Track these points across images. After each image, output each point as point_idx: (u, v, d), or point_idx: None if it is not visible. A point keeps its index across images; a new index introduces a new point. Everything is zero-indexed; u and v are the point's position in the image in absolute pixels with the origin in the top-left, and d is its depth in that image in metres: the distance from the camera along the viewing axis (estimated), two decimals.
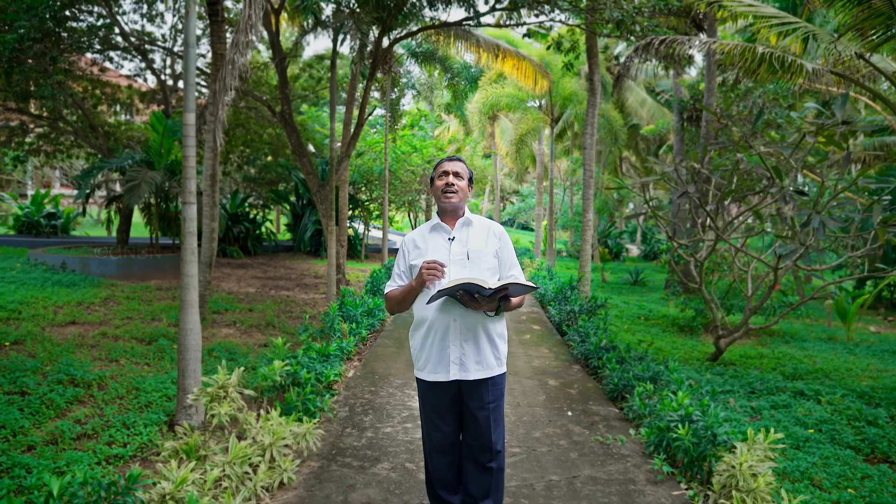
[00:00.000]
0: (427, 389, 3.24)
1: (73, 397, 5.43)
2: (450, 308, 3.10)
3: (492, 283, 2.91)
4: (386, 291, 3.30)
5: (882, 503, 4.16)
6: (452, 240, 3.20)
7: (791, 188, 6.57)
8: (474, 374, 3.13)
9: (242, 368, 4.56)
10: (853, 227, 7.09)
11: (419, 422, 5.35)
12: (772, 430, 4.22)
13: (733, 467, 3.84)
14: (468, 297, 2.99)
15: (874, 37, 5.64)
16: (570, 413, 5.82)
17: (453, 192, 3.18)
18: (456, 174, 3.20)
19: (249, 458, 3.82)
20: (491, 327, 3.17)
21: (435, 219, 3.29)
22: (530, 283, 2.95)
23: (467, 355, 3.12)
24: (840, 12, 5.89)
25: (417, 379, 3.30)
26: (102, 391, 5.69)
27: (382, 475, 4.30)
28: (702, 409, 4.60)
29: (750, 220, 8.61)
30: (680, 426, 4.40)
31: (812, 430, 5.57)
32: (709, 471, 4.19)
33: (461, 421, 3.30)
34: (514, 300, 3.14)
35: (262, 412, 4.53)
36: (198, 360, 4.92)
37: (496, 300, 3.02)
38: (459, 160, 3.28)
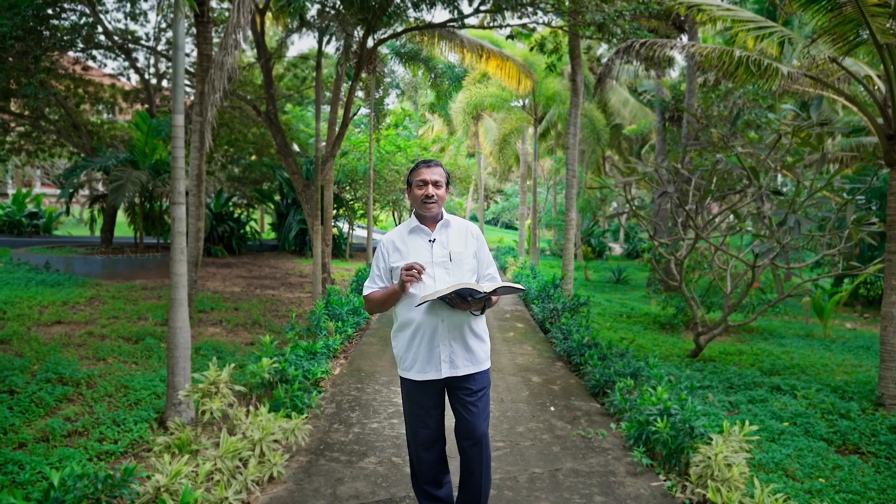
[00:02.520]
0: (415, 389, 3.28)
1: (63, 395, 5.48)
2: (437, 310, 3.17)
3: (472, 282, 3.03)
4: (365, 293, 3.33)
5: (851, 491, 4.33)
6: (433, 242, 3.26)
7: (766, 188, 6.75)
8: (464, 369, 3.22)
9: (232, 365, 4.64)
10: (828, 226, 7.29)
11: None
12: (746, 422, 4.38)
13: (709, 458, 3.99)
14: (459, 299, 3.07)
15: (845, 42, 5.81)
16: (552, 408, 5.95)
17: (433, 203, 3.24)
18: (435, 183, 3.25)
19: (240, 453, 3.91)
20: (475, 324, 3.27)
21: (413, 220, 3.33)
22: (518, 286, 3.08)
23: (456, 353, 3.21)
24: (814, 17, 6.06)
25: (402, 378, 3.35)
26: (91, 389, 5.74)
27: (370, 469, 4.40)
28: (680, 404, 4.74)
29: (730, 219, 8.78)
30: (659, 420, 4.54)
31: (787, 424, 5.74)
32: (686, 462, 4.33)
33: (452, 413, 3.35)
34: (494, 298, 3.22)
35: (251, 408, 4.61)
36: (187, 358, 4.99)
37: (483, 301, 3.12)
38: (437, 165, 3.31)
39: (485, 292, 2.96)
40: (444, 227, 3.30)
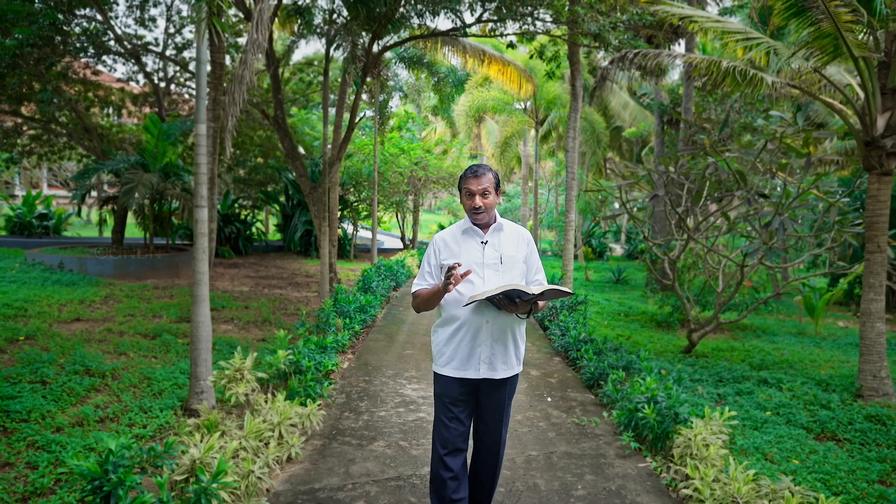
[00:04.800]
0: (451, 384, 3.30)
1: (91, 386, 5.85)
2: (483, 309, 3.20)
3: (521, 284, 3.14)
4: (413, 289, 3.37)
5: (822, 472, 4.69)
6: (485, 244, 3.29)
7: (754, 191, 7.11)
8: (501, 373, 3.27)
9: (255, 354, 5.02)
10: (815, 227, 7.65)
11: (411, 407, 5.85)
12: (727, 409, 4.75)
13: (689, 439, 4.36)
14: (507, 300, 3.09)
15: (824, 53, 6.17)
16: (549, 399, 6.32)
17: (481, 213, 3.24)
18: (483, 193, 3.23)
19: (262, 434, 4.29)
20: (517, 329, 3.32)
21: (466, 222, 3.35)
22: (567, 289, 3.10)
23: (496, 356, 3.24)
24: (796, 31, 6.43)
25: (437, 374, 3.36)
26: (117, 381, 6.12)
27: (379, 451, 4.78)
28: (666, 392, 5.11)
29: (720, 221, 9.14)
30: (646, 406, 4.91)
31: (770, 413, 6.10)
32: (671, 446, 4.70)
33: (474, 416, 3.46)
34: (541, 303, 3.23)
35: (268, 396, 4.99)
36: (209, 350, 5.36)
37: (530, 304, 3.13)
38: (486, 172, 3.25)
39: (533, 294, 2.99)
40: (497, 230, 3.33)
